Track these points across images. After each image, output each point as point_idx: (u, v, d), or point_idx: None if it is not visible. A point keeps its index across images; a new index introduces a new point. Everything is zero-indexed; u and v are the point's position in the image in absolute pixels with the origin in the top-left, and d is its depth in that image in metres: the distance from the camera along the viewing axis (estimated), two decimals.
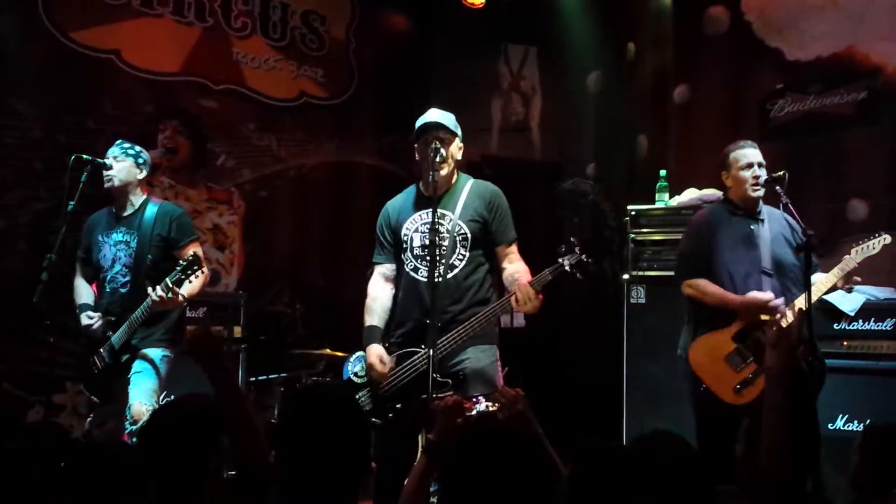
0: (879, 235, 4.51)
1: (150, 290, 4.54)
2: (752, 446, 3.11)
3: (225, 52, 7.32)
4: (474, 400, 3.25)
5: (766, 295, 4.43)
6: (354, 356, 4.33)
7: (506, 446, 2.35)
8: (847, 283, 4.47)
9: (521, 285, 3.99)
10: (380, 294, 4.36)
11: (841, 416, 5.03)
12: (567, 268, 3.99)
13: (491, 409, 3.20)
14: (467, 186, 4.30)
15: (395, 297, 4.35)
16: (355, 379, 4.25)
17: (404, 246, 4.29)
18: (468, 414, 3.13)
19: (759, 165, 4.61)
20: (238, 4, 7.34)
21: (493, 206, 4.26)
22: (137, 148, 4.92)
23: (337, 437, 2.39)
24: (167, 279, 4.48)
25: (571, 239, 4.04)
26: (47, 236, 5.49)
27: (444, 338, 4.03)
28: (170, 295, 4.50)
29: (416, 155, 4.31)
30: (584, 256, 3.99)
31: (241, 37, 7.38)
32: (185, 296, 4.63)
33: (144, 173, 4.91)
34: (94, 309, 4.83)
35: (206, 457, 2.74)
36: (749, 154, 4.64)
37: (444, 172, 4.20)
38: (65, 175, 4.79)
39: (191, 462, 2.71)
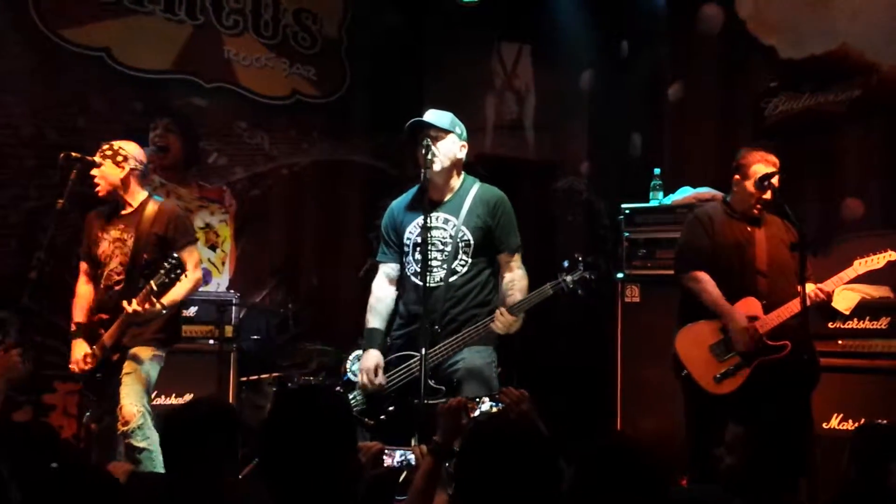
0: (885, 252, 4.54)
1: (125, 303, 4.50)
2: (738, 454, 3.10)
3: (216, 49, 7.27)
4: (477, 401, 3.25)
5: (745, 321, 4.48)
6: (353, 355, 4.31)
7: (519, 447, 2.34)
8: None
9: (501, 314, 4.02)
10: (383, 295, 4.35)
11: (835, 415, 5.02)
12: (570, 284, 3.99)
13: (494, 409, 3.20)
14: (472, 191, 4.26)
15: (398, 298, 4.34)
16: (352, 377, 4.24)
17: (406, 249, 4.28)
18: (472, 415, 3.12)
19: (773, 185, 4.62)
20: (229, 2, 7.28)
21: (496, 212, 4.23)
22: (116, 145, 4.83)
23: (319, 438, 2.37)
24: (151, 282, 4.44)
25: (576, 255, 4.04)
26: (38, 235, 5.47)
27: (437, 346, 4.03)
28: (146, 306, 4.46)
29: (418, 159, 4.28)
30: (587, 274, 3.99)
31: (232, 35, 7.34)
32: (166, 304, 4.57)
33: (127, 169, 4.79)
34: (90, 312, 4.79)
35: (222, 458, 2.76)
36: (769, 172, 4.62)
37: (437, 169, 4.17)
38: (55, 173, 4.76)
39: (209, 462, 2.73)
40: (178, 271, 4.42)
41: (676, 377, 4.69)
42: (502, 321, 4.01)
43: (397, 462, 3.45)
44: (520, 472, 2.31)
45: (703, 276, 4.61)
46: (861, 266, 4.53)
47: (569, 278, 3.99)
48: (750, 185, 4.60)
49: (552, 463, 2.38)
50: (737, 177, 4.68)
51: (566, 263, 4.02)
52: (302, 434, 2.36)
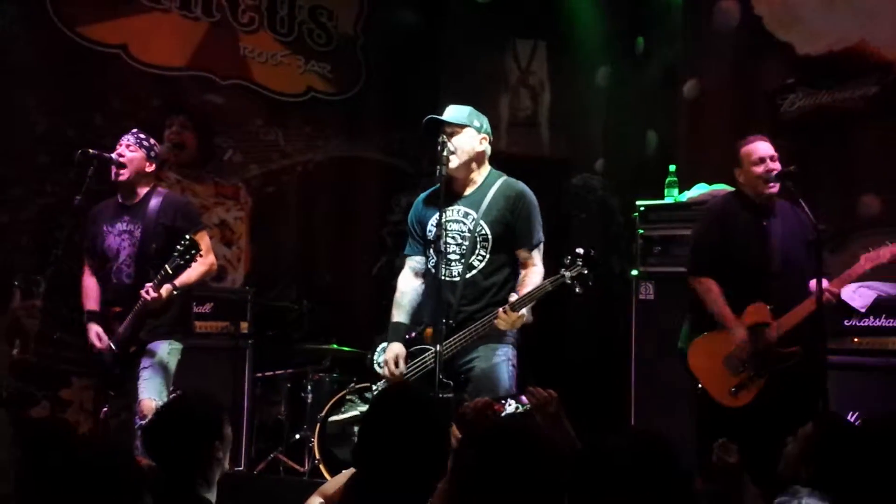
0: (885, 244, 4.47)
1: (142, 291, 4.54)
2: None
3: (232, 46, 7.30)
4: (503, 402, 3.21)
5: (743, 335, 4.45)
6: (379, 347, 4.34)
7: (520, 453, 2.33)
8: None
9: (504, 311, 3.97)
10: (408, 288, 4.35)
11: (851, 412, 4.99)
12: (567, 280, 3.96)
13: (520, 411, 3.15)
14: (495, 185, 4.23)
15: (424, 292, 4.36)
16: (377, 369, 4.26)
17: (429, 243, 4.28)
18: (499, 416, 3.09)
19: (772, 159, 4.57)
20: None
21: (516, 207, 4.18)
22: (152, 141, 4.92)
23: (423, 437, 2.45)
24: (166, 265, 4.47)
25: (577, 250, 4.00)
26: (53, 232, 5.50)
27: (451, 339, 4.03)
28: (162, 292, 4.50)
29: None
30: (585, 270, 3.94)
31: (248, 31, 7.36)
32: (178, 285, 4.60)
33: (154, 167, 4.90)
34: (101, 305, 4.81)
35: (212, 447, 2.77)
36: (760, 148, 4.60)
37: (453, 165, 4.16)
38: (70, 170, 4.78)
39: (196, 454, 2.74)
40: (193, 251, 4.47)
41: (692, 389, 4.65)
42: (504, 318, 3.98)
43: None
44: (520, 477, 2.29)
45: (710, 284, 4.58)
46: (866, 262, 4.46)
47: (567, 274, 3.96)
48: (748, 165, 4.59)
49: (557, 472, 2.36)
50: (737, 170, 4.68)
51: (567, 258, 3.99)
52: (401, 436, 2.43)
